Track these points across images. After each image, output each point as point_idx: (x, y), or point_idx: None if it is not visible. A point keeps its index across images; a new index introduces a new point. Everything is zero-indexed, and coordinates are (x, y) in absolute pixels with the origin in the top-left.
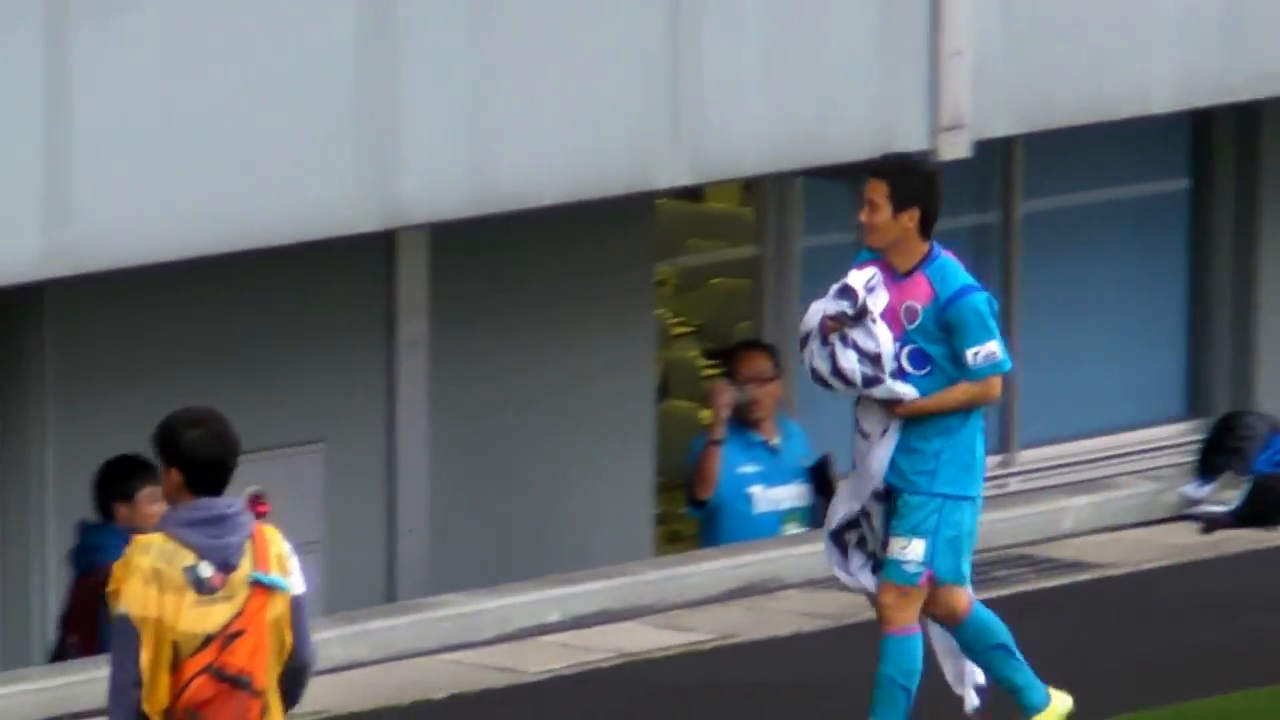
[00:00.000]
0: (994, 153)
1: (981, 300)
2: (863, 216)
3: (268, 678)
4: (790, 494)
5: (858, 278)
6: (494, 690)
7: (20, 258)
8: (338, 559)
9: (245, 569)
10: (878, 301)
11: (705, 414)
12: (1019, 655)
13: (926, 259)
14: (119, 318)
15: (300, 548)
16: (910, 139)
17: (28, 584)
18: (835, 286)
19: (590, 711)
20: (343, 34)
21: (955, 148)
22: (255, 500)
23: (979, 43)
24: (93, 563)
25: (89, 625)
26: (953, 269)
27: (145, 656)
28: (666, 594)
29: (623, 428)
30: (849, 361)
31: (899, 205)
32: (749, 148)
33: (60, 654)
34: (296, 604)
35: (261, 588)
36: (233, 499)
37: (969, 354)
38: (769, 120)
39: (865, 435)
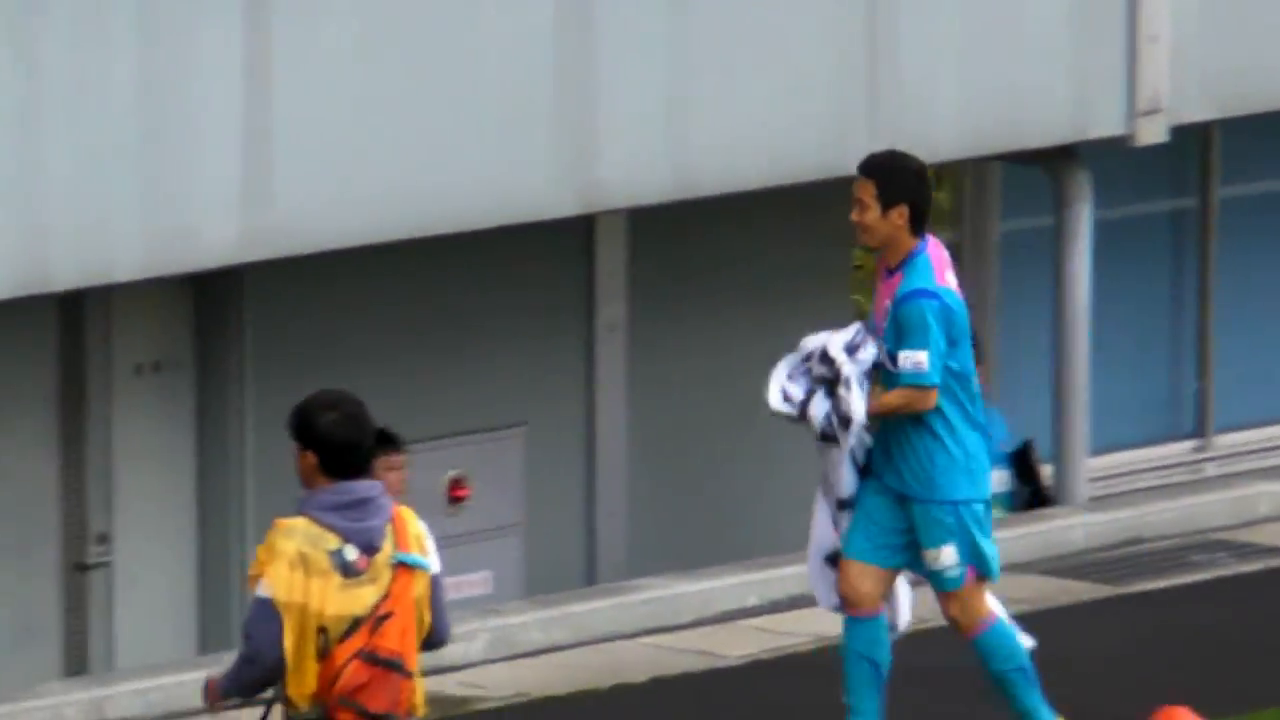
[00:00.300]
0: (1191, 137)
1: (929, 307)
2: (854, 216)
3: (415, 659)
4: (991, 479)
5: (838, 342)
6: (693, 674)
7: (221, 241)
8: (538, 542)
9: (388, 550)
10: (865, 357)
11: None
12: None
13: (910, 256)
14: (318, 299)
15: (501, 531)
16: (1106, 123)
17: (228, 564)
18: (817, 349)
19: (788, 696)
20: (541, 20)
21: (1152, 132)
22: (455, 484)
23: (1176, 26)
24: None
25: None
26: (922, 269)
27: (289, 641)
28: None
29: None
30: (818, 412)
31: (887, 203)
32: (945, 133)
33: None
34: (435, 583)
35: (405, 568)
36: (372, 482)
37: (900, 356)
38: (964, 105)
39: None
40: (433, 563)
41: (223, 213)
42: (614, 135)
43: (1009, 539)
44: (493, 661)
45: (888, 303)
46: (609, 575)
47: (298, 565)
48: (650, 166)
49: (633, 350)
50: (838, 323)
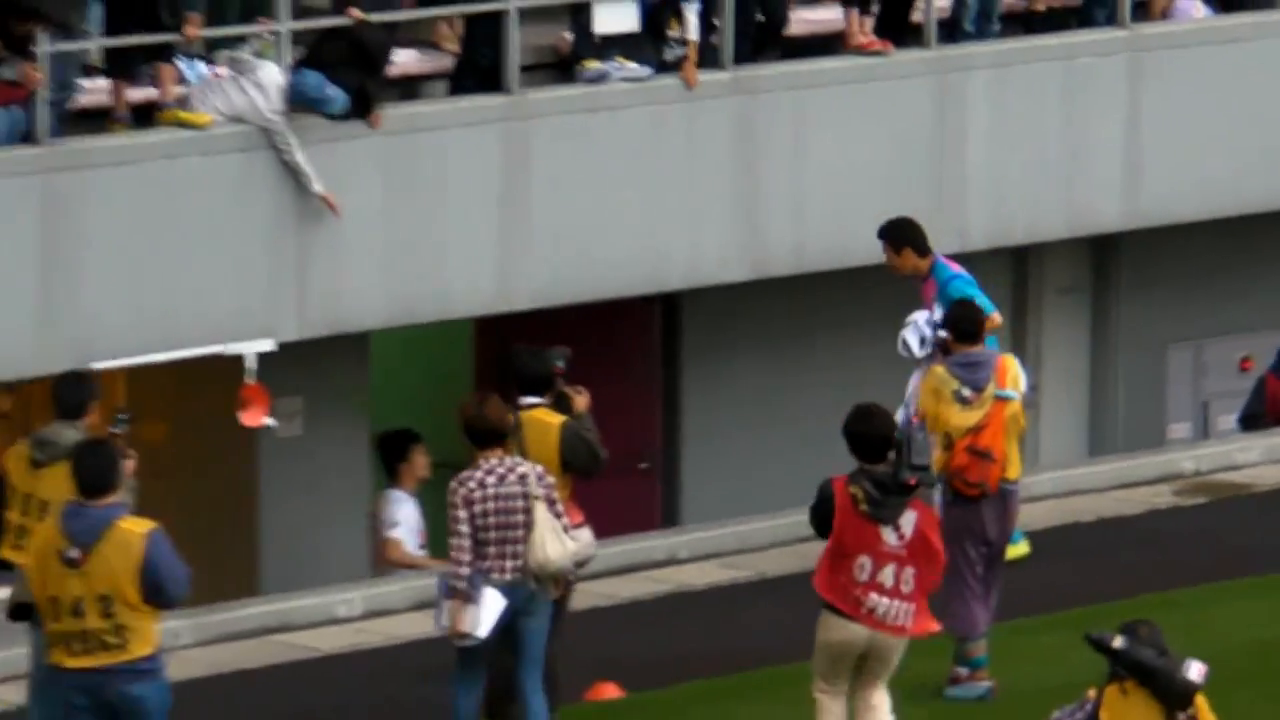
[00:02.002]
0: None
1: (963, 280)
2: (887, 265)
3: (1004, 451)
4: None
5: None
6: None
7: (1106, 215)
8: None
9: (991, 389)
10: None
11: None
12: None
13: (932, 268)
14: (1182, 259)
15: None
16: None
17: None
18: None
19: None
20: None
21: None
22: (1244, 360)
23: None
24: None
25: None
26: (943, 267)
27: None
28: None
29: None
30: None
31: (897, 249)
32: None
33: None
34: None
35: (1000, 400)
36: (984, 349)
37: None
38: None
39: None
40: (1020, 393)
41: (1106, 196)
42: None
43: None
44: (1267, 463)
45: (934, 292)
46: None
47: (932, 394)
48: None
49: None
50: None
